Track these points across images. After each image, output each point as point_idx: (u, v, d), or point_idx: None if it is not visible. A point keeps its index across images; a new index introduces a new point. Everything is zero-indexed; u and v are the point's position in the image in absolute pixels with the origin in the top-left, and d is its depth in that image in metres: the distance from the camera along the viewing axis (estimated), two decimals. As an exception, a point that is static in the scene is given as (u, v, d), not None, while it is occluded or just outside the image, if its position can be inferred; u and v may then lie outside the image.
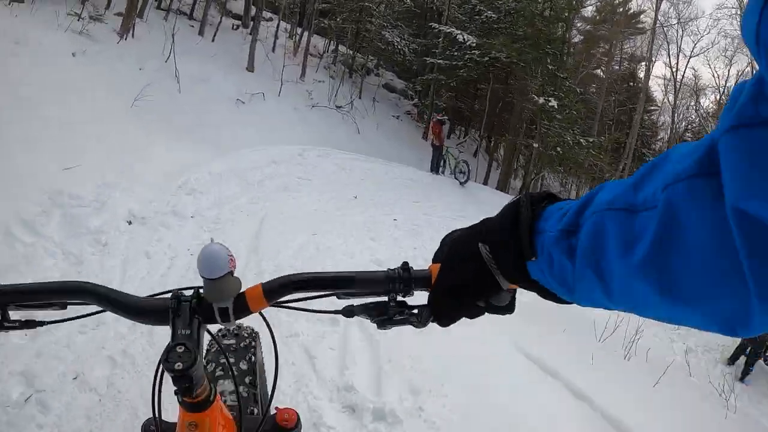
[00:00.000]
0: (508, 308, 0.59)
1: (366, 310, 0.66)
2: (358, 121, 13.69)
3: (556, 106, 15.72)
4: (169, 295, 0.70)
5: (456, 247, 0.58)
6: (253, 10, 15.65)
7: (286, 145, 9.09)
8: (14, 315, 0.69)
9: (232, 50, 13.41)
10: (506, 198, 12.90)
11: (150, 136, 6.50)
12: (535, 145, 16.44)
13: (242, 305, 0.68)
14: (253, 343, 1.37)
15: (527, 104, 16.34)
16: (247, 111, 10.41)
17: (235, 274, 0.69)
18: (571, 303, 0.51)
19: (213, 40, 13.58)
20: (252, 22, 14.63)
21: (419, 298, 0.66)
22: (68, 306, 0.71)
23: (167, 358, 0.64)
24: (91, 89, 6.73)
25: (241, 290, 0.69)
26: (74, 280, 0.73)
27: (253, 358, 1.33)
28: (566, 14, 17.85)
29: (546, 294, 0.53)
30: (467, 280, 0.56)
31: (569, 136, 16.08)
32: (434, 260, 0.64)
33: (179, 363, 0.63)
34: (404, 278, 0.65)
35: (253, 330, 1.42)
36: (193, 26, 14.37)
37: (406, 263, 0.67)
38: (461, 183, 11.05)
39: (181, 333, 0.67)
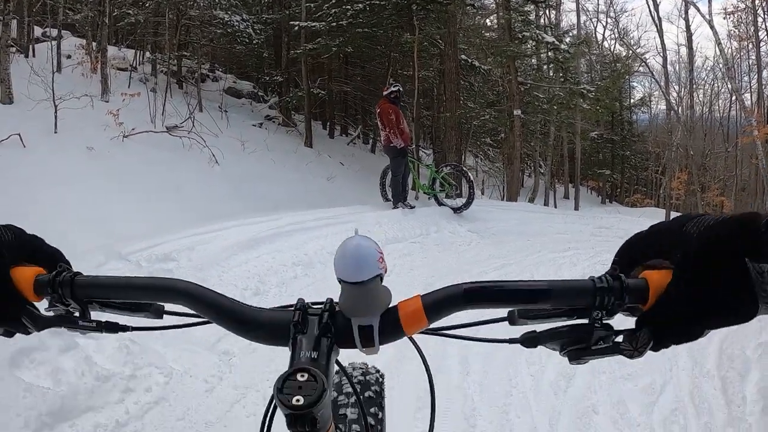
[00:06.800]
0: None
1: (556, 337, 0.49)
2: (209, 143, 9.16)
3: (556, 43, 11.41)
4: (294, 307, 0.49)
5: (710, 255, 0.44)
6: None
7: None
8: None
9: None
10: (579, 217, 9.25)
11: None
12: (517, 112, 11.42)
13: (393, 325, 0.50)
14: (380, 389, 1.06)
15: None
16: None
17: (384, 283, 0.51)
18: None
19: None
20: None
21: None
22: (164, 313, 0.56)
23: (282, 388, 0.45)
24: None
25: (391, 304, 0.51)
26: (168, 277, 0.55)
27: (379, 397, 1.04)
28: None
29: None
30: (724, 296, 0.44)
31: (562, 90, 11.64)
32: (626, 260, 0.50)
33: (299, 397, 0.44)
34: (615, 290, 0.47)
35: (378, 371, 1.11)
36: None
37: (615, 268, 0.49)
38: (456, 210, 7.00)
39: (305, 356, 0.49)
